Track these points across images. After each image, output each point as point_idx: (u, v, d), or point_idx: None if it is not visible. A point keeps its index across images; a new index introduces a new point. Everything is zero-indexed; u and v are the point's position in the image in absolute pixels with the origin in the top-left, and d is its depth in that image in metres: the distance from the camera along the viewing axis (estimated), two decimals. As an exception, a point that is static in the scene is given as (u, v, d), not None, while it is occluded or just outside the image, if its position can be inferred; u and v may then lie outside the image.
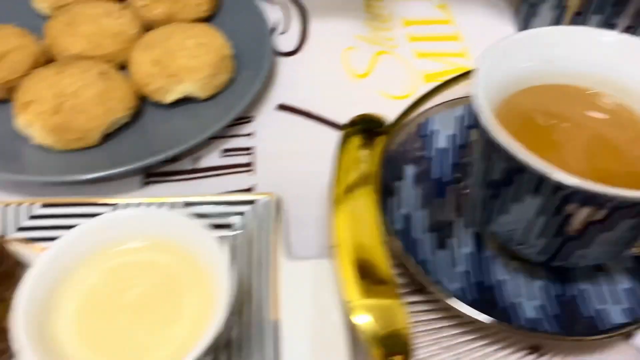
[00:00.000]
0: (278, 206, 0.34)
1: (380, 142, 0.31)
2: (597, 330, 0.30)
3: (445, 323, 0.33)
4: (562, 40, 0.32)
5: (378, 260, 0.27)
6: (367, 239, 0.28)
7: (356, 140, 0.32)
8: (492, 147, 0.27)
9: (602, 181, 0.27)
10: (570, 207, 0.26)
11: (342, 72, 0.47)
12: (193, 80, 0.40)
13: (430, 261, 0.32)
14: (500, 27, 0.52)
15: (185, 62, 0.40)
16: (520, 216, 0.28)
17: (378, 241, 0.28)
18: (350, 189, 0.30)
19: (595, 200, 0.25)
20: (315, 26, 0.50)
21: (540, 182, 0.25)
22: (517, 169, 0.26)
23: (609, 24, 0.44)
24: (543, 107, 0.31)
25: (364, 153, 0.31)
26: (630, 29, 0.44)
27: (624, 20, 0.43)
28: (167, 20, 0.45)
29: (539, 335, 0.29)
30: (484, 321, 0.30)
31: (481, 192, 0.31)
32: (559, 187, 0.25)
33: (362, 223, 0.28)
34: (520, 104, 0.31)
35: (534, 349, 0.32)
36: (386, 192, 0.35)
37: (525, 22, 0.50)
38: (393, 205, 0.35)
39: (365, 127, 0.33)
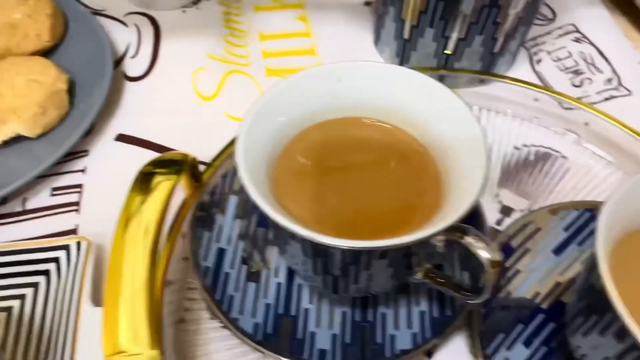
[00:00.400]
0: (90, 250, 0.35)
1: (168, 184, 0.32)
2: (383, 357, 0.31)
3: (255, 355, 0.34)
4: (345, 75, 0.32)
5: (143, 310, 0.28)
6: (136, 289, 0.29)
7: (150, 183, 0.32)
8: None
9: (363, 222, 0.28)
10: (322, 253, 0.27)
11: (190, 95, 0.47)
12: (18, 121, 0.40)
13: (236, 296, 0.33)
14: (358, 37, 0.52)
15: (11, 101, 0.40)
16: (294, 254, 0.29)
17: (146, 288, 0.28)
18: (131, 235, 0.30)
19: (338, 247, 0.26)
20: (168, 47, 0.50)
21: (294, 234, 0.26)
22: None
23: (443, 36, 0.44)
24: (323, 143, 0.32)
25: (155, 196, 0.32)
26: (462, 41, 0.44)
27: (455, 33, 0.44)
28: (4, 54, 0.44)
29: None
30: (271, 356, 0.31)
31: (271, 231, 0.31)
32: (305, 238, 0.26)
33: (137, 271, 0.29)
34: (305, 141, 0.32)
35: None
36: (203, 227, 0.36)
37: (377, 32, 0.50)
38: (209, 240, 0.35)
39: (166, 168, 0.33)
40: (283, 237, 0.29)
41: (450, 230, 0.26)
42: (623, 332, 0.24)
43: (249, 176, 0.27)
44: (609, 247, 0.28)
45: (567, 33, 0.53)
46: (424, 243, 0.27)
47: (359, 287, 0.30)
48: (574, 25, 0.54)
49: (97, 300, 0.33)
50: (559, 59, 0.51)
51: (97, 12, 0.51)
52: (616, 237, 0.29)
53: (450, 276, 0.32)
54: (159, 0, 0.52)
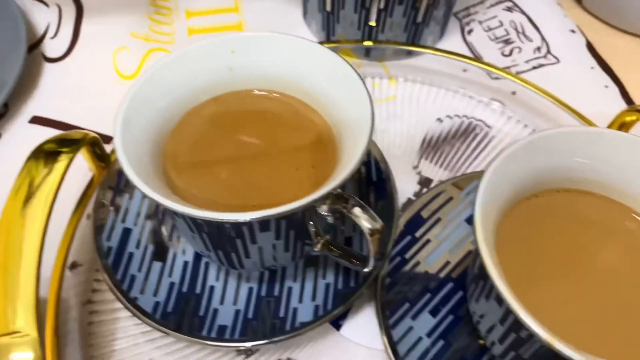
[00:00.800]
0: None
1: (62, 163, 0.31)
2: (283, 331, 0.31)
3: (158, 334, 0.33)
4: (239, 46, 0.31)
5: (30, 291, 0.28)
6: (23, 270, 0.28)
7: (46, 160, 0.31)
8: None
9: (251, 195, 0.28)
10: (205, 228, 0.27)
11: (111, 75, 0.46)
12: None
13: (139, 276, 0.33)
14: (287, 11, 0.51)
15: None
16: (184, 231, 0.29)
17: (34, 270, 0.28)
18: (23, 213, 0.29)
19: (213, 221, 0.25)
20: (90, 26, 0.49)
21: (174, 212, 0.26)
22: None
23: (364, 7, 0.44)
24: (218, 117, 0.32)
25: (50, 174, 0.31)
26: (383, 11, 0.44)
27: (375, 4, 0.43)
28: None
29: (216, 342, 0.30)
30: (169, 334, 0.30)
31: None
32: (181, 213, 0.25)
33: (24, 250, 0.28)
34: (200, 115, 0.31)
35: (245, 350, 0.33)
36: (110, 207, 0.35)
37: (304, 5, 0.49)
38: (114, 220, 0.35)
39: (66, 147, 0.33)
40: (169, 213, 0.28)
41: (334, 199, 0.26)
42: (500, 297, 0.24)
43: (125, 151, 0.26)
44: (499, 212, 0.28)
45: (499, 2, 0.53)
46: (308, 214, 0.27)
47: (254, 261, 0.30)
48: (506, -7, 0.53)
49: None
50: (490, 29, 0.51)
51: (16, -7, 0.50)
52: (508, 202, 0.29)
53: (345, 247, 0.31)
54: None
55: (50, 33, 0.48)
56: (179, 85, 0.31)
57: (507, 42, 0.50)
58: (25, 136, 0.41)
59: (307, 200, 0.25)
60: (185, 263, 0.34)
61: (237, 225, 0.26)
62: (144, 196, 0.25)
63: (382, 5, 0.43)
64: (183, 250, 0.34)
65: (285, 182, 0.29)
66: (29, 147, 0.40)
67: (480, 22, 0.51)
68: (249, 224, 0.26)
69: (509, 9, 0.52)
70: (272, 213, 0.24)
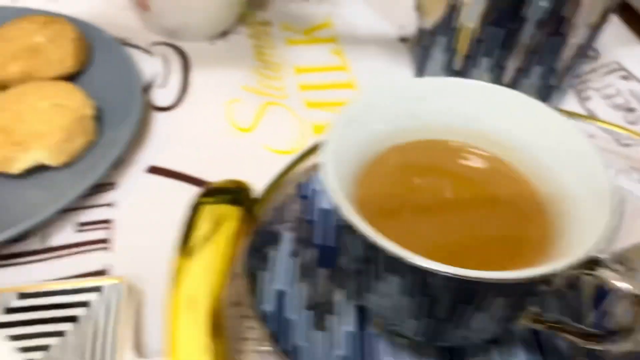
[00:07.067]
0: (129, 293, 0.30)
1: (235, 213, 0.27)
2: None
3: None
4: (428, 93, 0.29)
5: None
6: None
7: (209, 212, 0.28)
8: (346, 224, 0.23)
9: (470, 254, 0.24)
10: (433, 289, 0.23)
11: (225, 127, 0.43)
12: (42, 147, 0.35)
13: (303, 347, 0.28)
14: (397, 71, 0.49)
15: (34, 126, 0.36)
16: (386, 295, 0.25)
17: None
18: (189, 273, 0.25)
19: (459, 281, 0.22)
20: (198, 77, 0.47)
21: (396, 262, 0.22)
22: (371, 247, 0.22)
23: (499, 66, 0.42)
24: (410, 167, 0.28)
25: (218, 227, 0.27)
26: (520, 71, 0.42)
27: (513, 62, 0.41)
28: (25, 79, 0.40)
29: None
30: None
31: (349, 265, 0.27)
32: (416, 268, 0.21)
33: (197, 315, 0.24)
34: (386, 165, 0.28)
35: None
36: (257, 267, 0.31)
37: (420, 65, 0.48)
38: (265, 280, 0.31)
39: (224, 197, 0.29)
40: (374, 271, 0.24)
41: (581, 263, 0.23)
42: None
43: (340, 193, 0.23)
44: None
45: (612, 71, 0.51)
46: (549, 278, 0.23)
47: (461, 334, 0.25)
48: (617, 62, 0.52)
49: (141, 351, 0.28)
50: (608, 97, 0.49)
51: (120, 41, 0.48)
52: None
53: (565, 319, 0.27)
54: (185, 31, 0.49)
55: (158, 82, 0.46)
56: (364, 133, 0.28)
57: (630, 110, 0.48)
58: (142, 186, 0.38)
59: (569, 261, 0.21)
60: (348, 334, 0.30)
61: (474, 289, 0.22)
62: (370, 256, 0.21)
63: (520, 64, 0.41)
64: (343, 318, 0.30)
65: (498, 242, 0.26)
66: (148, 196, 0.37)
67: (597, 90, 0.50)
68: (489, 287, 0.22)
69: (625, 78, 0.51)
70: (534, 273, 0.21)
